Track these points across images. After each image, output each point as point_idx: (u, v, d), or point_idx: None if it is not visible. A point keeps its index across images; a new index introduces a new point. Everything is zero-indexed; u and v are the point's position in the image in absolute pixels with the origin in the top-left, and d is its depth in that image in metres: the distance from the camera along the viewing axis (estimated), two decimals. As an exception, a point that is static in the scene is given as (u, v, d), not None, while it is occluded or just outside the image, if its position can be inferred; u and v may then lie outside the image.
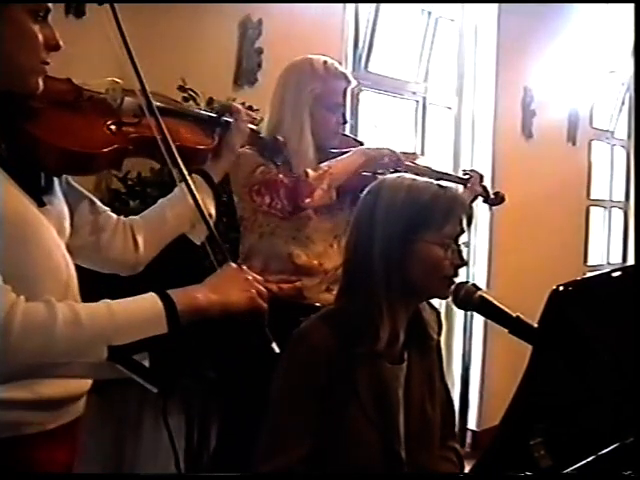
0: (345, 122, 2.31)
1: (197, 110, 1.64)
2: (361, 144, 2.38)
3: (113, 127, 1.40)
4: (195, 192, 1.37)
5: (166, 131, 1.39)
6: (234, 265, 1.29)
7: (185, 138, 1.52)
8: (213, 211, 1.56)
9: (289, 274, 2.22)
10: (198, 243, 1.56)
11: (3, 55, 1.22)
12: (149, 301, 1.16)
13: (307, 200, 2.16)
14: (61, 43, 1.29)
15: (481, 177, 2.63)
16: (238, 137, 1.64)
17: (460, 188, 2.60)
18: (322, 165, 2.22)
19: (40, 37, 1.25)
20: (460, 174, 2.65)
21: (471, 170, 2.65)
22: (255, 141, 1.84)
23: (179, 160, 1.37)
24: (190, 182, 1.38)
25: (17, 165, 1.24)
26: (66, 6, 2.43)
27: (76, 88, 1.40)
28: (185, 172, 1.38)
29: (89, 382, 1.37)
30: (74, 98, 1.39)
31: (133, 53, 1.37)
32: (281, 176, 2.15)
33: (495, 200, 2.73)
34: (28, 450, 1.25)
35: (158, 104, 1.43)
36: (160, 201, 1.58)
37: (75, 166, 1.36)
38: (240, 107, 1.67)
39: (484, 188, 2.71)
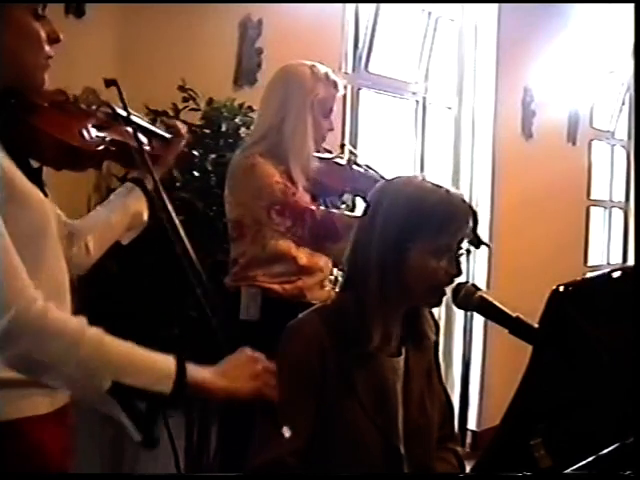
0: (333, 129, 2.32)
1: (147, 123, 1.72)
2: (330, 152, 2.37)
3: (96, 129, 1.49)
4: (163, 194, 1.49)
5: (143, 138, 1.54)
6: (248, 351, 1.31)
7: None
8: (146, 217, 1.62)
9: (290, 275, 2.23)
10: (124, 244, 1.63)
11: (11, 54, 1.27)
12: (165, 359, 1.20)
13: (327, 244, 2.14)
14: (60, 36, 1.34)
15: None
16: (174, 155, 1.71)
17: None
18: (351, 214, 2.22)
19: (42, 34, 1.30)
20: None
21: None
22: (185, 160, 1.88)
23: (149, 163, 1.49)
24: (159, 186, 1.50)
25: (22, 157, 1.30)
26: (66, 6, 2.43)
27: (63, 92, 1.48)
28: (156, 177, 1.51)
29: None
30: (64, 100, 1.47)
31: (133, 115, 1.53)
32: (313, 207, 2.14)
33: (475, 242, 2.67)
34: (33, 431, 1.28)
35: (123, 112, 1.54)
36: (99, 207, 1.63)
37: (73, 161, 1.43)
38: (184, 130, 1.74)
39: None
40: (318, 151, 2.29)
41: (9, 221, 1.19)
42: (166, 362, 1.19)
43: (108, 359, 1.16)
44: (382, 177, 2.24)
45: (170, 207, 1.48)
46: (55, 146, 1.38)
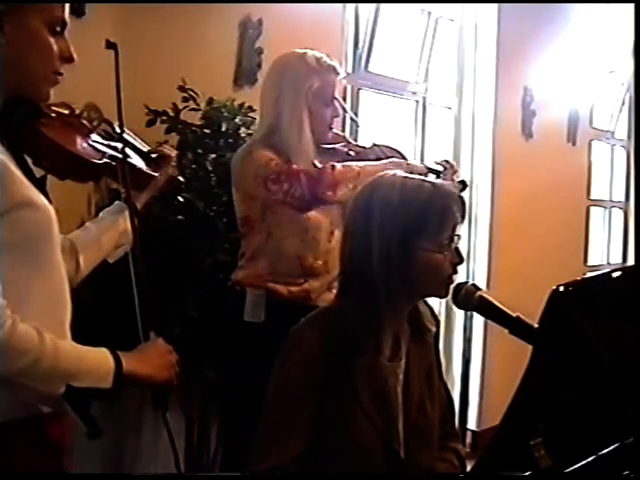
0: (338, 115, 2.29)
1: (142, 145, 1.75)
2: (347, 140, 2.36)
3: (97, 144, 1.52)
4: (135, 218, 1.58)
5: (139, 161, 1.61)
6: (162, 341, 1.46)
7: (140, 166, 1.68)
8: (131, 236, 1.65)
9: (296, 276, 2.22)
10: (111, 262, 1.65)
11: (19, 63, 1.28)
12: (104, 356, 1.30)
13: (329, 193, 2.12)
14: (75, 56, 1.34)
15: (454, 169, 2.49)
16: (165, 176, 1.74)
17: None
18: (352, 164, 2.20)
19: (55, 48, 1.31)
20: (433, 165, 2.46)
21: (445, 161, 2.48)
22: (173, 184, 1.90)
23: (129, 186, 1.55)
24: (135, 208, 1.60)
25: (27, 165, 1.32)
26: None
27: (67, 105, 1.51)
28: (139, 200, 1.62)
29: None
30: (70, 113, 1.50)
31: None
32: (303, 168, 2.12)
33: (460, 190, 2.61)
34: (33, 431, 1.29)
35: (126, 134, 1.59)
36: (90, 225, 1.64)
37: (77, 172, 1.47)
38: (173, 154, 1.78)
39: (456, 180, 2.55)
40: (327, 141, 2.27)
41: (15, 225, 1.21)
42: (105, 359, 1.29)
43: (63, 367, 1.24)
44: (398, 152, 2.23)
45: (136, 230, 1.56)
46: (61, 155, 1.40)
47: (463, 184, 2.42)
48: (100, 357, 1.29)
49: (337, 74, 2.27)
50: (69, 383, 1.23)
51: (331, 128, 2.28)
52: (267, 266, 2.21)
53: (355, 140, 2.57)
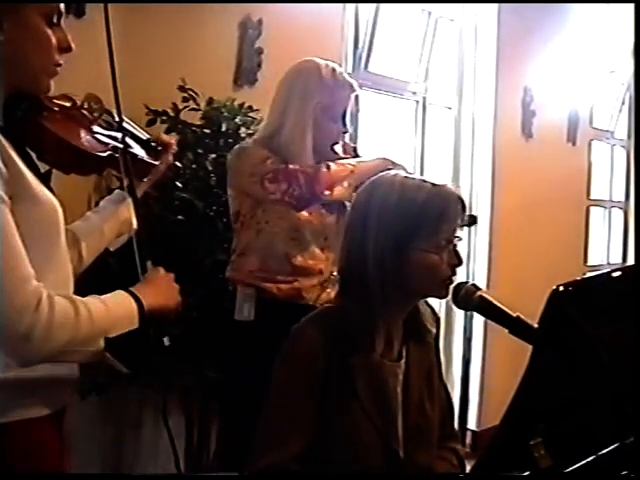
0: (346, 131, 2.29)
1: (142, 134, 1.74)
2: (355, 151, 2.37)
3: (99, 135, 1.51)
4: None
5: (140, 150, 1.61)
6: (160, 269, 1.47)
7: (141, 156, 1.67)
8: (135, 225, 1.64)
9: (286, 274, 2.21)
10: (112, 249, 1.67)
11: (18, 57, 1.28)
12: (127, 300, 1.34)
13: (327, 192, 2.15)
14: (73, 45, 1.35)
15: None
16: (165, 165, 1.75)
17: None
18: (345, 162, 2.22)
19: (53, 40, 1.31)
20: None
21: None
22: (172, 170, 1.90)
23: (132, 176, 1.54)
24: (137, 197, 1.58)
25: (32, 160, 1.33)
26: (66, 6, 2.43)
27: (69, 97, 1.50)
28: (137, 191, 1.59)
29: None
30: (72, 105, 1.49)
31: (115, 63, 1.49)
32: (299, 167, 2.14)
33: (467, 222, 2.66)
34: (30, 434, 1.28)
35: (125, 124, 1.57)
36: (91, 214, 1.64)
37: (81, 165, 1.47)
38: (173, 142, 1.78)
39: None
40: (332, 155, 2.26)
41: (20, 219, 1.21)
42: (128, 300, 1.34)
43: (99, 327, 1.27)
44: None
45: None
46: (66, 149, 1.40)
47: (472, 219, 2.46)
48: (124, 302, 1.33)
49: (352, 91, 2.27)
50: (108, 335, 1.27)
51: (336, 143, 2.28)
52: (257, 262, 2.21)
53: (355, 142, 2.58)
